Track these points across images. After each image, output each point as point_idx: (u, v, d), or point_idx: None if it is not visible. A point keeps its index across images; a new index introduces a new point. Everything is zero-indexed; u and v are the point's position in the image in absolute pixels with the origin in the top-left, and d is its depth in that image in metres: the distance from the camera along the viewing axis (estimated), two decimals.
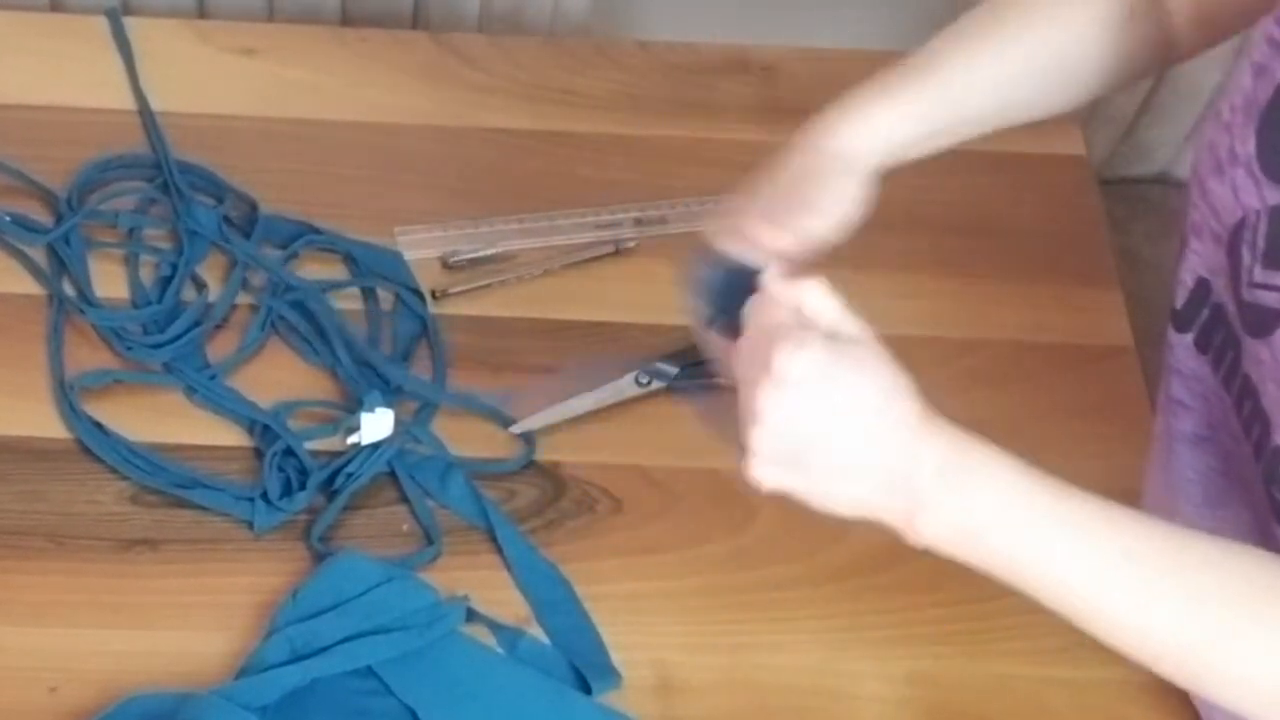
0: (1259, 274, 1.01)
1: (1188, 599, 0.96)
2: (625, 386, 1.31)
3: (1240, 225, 1.02)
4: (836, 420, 0.96)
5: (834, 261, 1.40)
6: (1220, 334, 1.07)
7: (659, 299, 1.37)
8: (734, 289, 1.04)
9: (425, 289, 1.35)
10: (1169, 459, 1.13)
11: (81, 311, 1.32)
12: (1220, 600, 0.96)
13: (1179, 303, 1.10)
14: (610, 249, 1.40)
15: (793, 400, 0.96)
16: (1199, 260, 1.07)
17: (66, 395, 1.27)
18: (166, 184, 1.39)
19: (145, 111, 1.44)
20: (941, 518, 0.97)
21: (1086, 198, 1.46)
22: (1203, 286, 1.08)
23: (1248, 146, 1.01)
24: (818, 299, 0.99)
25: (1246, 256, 1.02)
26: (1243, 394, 1.05)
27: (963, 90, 1.12)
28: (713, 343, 1.07)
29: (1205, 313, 1.08)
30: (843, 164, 1.10)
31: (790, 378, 0.96)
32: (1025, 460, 0.98)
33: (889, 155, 1.11)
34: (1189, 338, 1.09)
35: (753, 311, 1.01)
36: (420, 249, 1.38)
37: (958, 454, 0.97)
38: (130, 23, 1.52)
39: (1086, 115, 1.73)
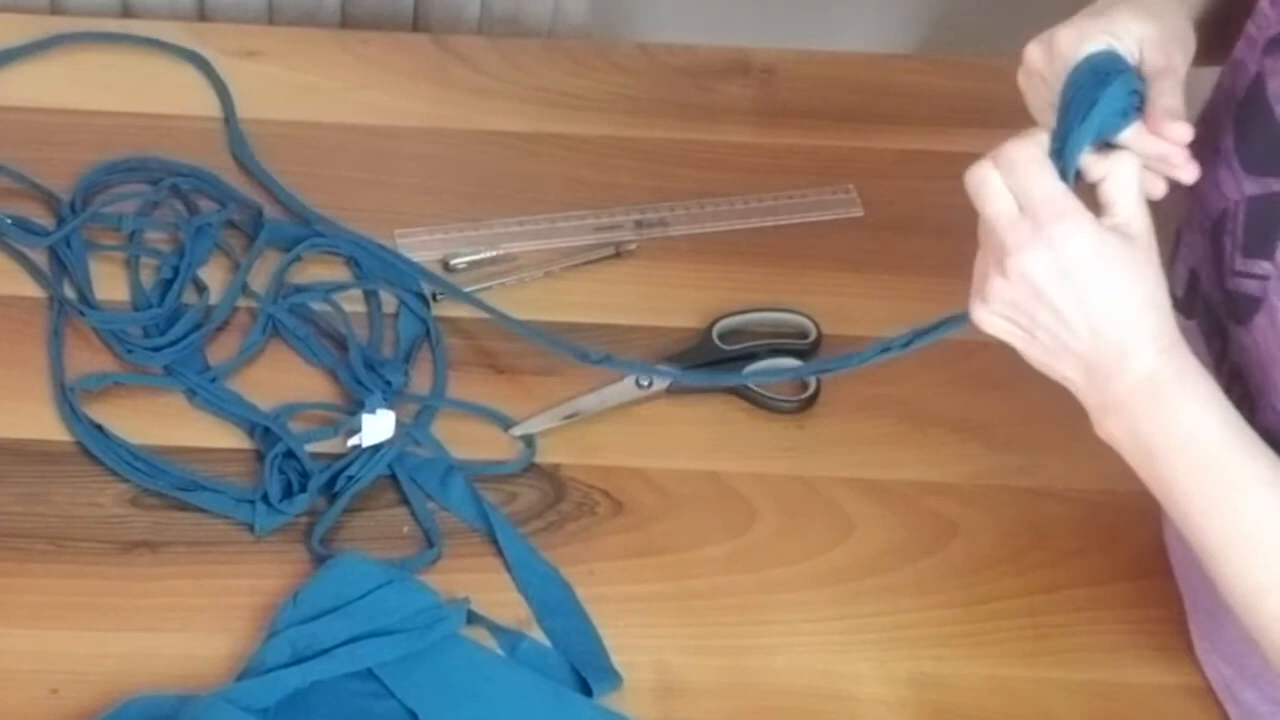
0: (1239, 263, 1.05)
1: None
2: (626, 389, 1.31)
3: (1222, 216, 1.06)
4: (1077, 306, 0.99)
5: (837, 264, 1.41)
6: (1210, 322, 1.10)
7: (659, 301, 1.37)
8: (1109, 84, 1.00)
9: (426, 291, 1.36)
10: None
11: (82, 314, 1.32)
12: None
13: (1180, 291, 1.12)
14: (611, 251, 1.40)
15: (1048, 273, 0.98)
16: (1189, 253, 1.10)
17: (67, 398, 1.27)
18: (172, 187, 1.39)
19: (230, 117, 1.46)
20: (1128, 429, 1.01)
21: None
22: (1194, 277, 1.11)
23: (1228, 141, 1.05)
24: (1126, 177, 1.00)
25: (1228, 246, 1.06)
26: (1231, 378, 1.08)
27: None
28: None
29: (1200, 302, 1.11)
30: None
31: (1057, 250, 0.98)
32: (1233, 414, 1.00)
33: None
34: (1195, 324, 1.12)
35: (1035, 168, 0.99)
36: (420, 251, 1.38)
37: (1168, 382, 0.99)
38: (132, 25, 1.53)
39: None
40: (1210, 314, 1.10)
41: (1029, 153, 1.00)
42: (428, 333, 1.34)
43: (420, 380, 1.31)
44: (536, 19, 1.72)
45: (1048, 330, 1.00)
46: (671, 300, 1.37)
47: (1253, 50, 1.05)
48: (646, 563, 1.23)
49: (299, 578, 1.19)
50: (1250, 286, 1.04)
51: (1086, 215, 0.98)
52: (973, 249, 1.45)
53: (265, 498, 1.22)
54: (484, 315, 1.34)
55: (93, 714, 1.12)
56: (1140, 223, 0.99)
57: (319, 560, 1.20)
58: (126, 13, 1.64)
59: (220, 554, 1.21)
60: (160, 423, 1.28)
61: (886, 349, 1.14)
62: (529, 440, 1.28)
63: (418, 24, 1.71)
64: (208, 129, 1.46)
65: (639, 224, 1.42)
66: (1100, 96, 0.99)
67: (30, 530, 1.22)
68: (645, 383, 1.31)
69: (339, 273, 1.37)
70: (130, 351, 1.30)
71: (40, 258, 1.36)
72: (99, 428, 1.26)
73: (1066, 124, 1.00)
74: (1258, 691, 1.13)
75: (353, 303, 1.35)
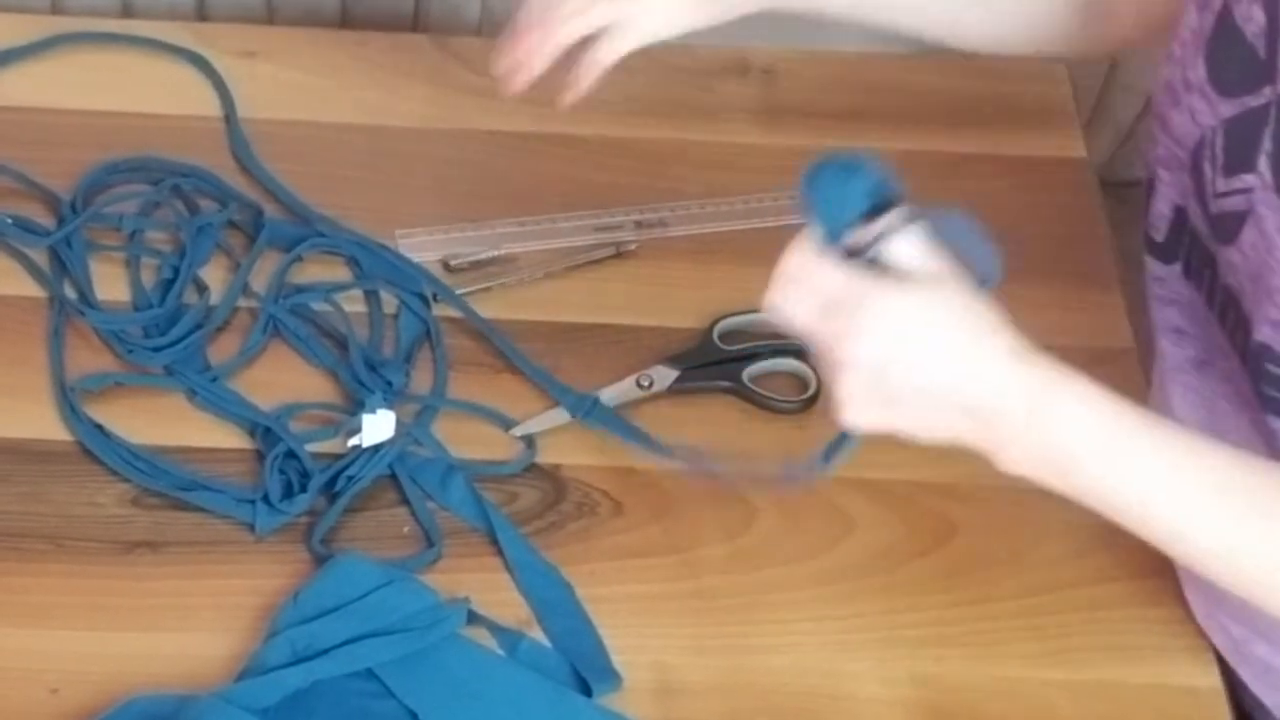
0: (1221, 184, 1.07)
1: (1272, 529, 0.99)
2: (627, 389, 1.31)
3: (1199, 144, 1.09)
4: (927, 361, 0.98)
5: None
6: (1197, 256, 1.12)
7: (660, 301, 1.37)
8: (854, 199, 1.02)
9: (426, 291, 1.36)
10: (1165, 399, 1.17)
11: (82, 314, 1.32)
12: None
13: (1160, 235, 1.15)
14: (611, 251, 1.40)
15: (882, 348, 0.98)
16: (1171, 190, 1.13)
17: (67, 397, 1.27)
18: (173, 187, 1.39)
19: (231, 117, 1.46)
20: (1030, 451, 1.00)
21: (1087, 200, 1.46)
22: (1179, 214, 1.13)
23: (1199, 72, 1.08)
24: (908, 246, 1.00)
25: (1208, 171, 1.08)
26: (1225, 305, 1.10)
27: None
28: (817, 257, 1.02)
29: (1186, 239, 1.13)
30: None
31: (878, 326, 0.98)
32: (1107, 394, 1.00)
33: None
34: (1178, 267, 1.14)
35: (816, 269, 1.01)
36: (421, 252, 1.38)
37: (1047, 389, 0.99)
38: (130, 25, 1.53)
39: (1088, 118, 1.74)
40: (1196, 246, 1.12)
41: (803, 258, 1.01)
42: (428, 333, 1.34)
43: (421, 380, 1.31)
44: None
45: (912, 403, 0.99)
46: (672, 300, 1.37)
47: None
48: (646, 563, 1.23)
49: (299, 578, 1.19)
50: (1235, 203, 1.06)
51: (883, 283, 0.98)
52: None
53: (266, 498, 1.22)
54: (483, 315, 1.34)
55: (93, 713, 1.12)
56: (932, 264, 1.00)
57: (319, 560, 1.20)
58: (127, 13, 1.64)
59: (220, 554, 1.22)
60: (161, 423, 1.28)
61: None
62: (529, 440, 1.28)
63: (417, 24, 1.71)
64: (208, 129, 1.46)
65: (639, 224, 1.42)
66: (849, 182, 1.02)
67: (30, 530, 1.22)
68: (646, 383, 1.31)
69: (339, 273, 1.37)
70: (131, 351, 1.31)
71: (41, 258, 1.36)
72: (99, 427, 1.26)
73: (821, 214, 1.01)
74: (1270, 645, 1.14)
75: (353, 303, 1.35)
